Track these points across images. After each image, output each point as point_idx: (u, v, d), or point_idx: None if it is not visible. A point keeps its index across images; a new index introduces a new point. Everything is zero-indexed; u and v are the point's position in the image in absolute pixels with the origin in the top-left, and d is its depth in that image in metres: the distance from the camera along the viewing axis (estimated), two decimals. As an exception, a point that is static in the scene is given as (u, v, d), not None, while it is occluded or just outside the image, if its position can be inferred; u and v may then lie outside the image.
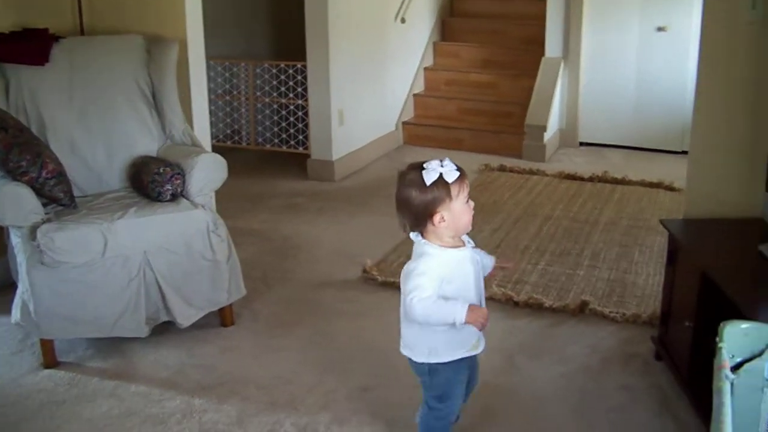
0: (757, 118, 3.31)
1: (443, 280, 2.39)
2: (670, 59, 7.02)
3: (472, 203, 2.45)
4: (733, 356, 1.65)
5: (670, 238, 3.31)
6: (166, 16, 4.25)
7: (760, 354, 1.64)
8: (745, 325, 1.65)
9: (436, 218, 2.37)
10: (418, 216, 2.39)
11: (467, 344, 2.53)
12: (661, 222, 3.40)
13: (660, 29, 7.05)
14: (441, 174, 2.34)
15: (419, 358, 2.53)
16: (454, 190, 2.36)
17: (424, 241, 2.44)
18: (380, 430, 2.95)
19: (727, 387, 1.50)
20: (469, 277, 2.48)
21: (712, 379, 1.57)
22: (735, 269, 2.95)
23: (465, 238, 2.50)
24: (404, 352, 2.58)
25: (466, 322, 2.35)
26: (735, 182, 3.43)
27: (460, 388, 2.62)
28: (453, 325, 2.38)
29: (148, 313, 3.47)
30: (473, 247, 2.53)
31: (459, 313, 2.34)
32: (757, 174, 3.24)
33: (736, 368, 1.65)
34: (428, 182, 2.34)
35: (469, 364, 2.61)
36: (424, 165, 2.36)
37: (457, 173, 2.37)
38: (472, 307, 2.37)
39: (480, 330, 2.42)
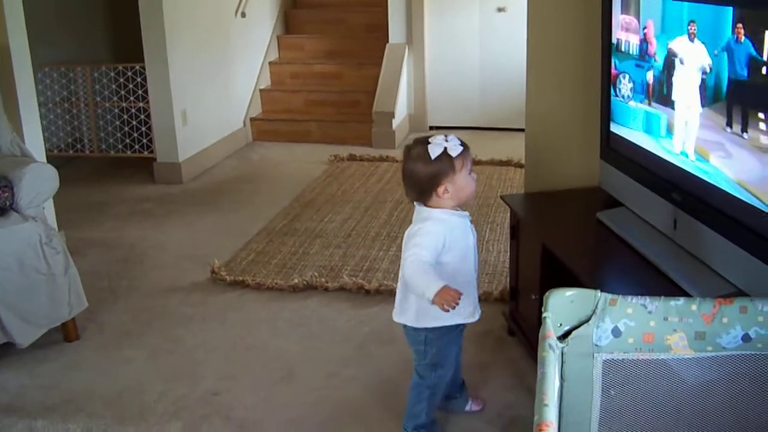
0: (587, 90, 3.35)
1: (444, 246, 2.47)
2: (511, 39, 7.12)
3: (474, 175, 2.54)
4: (561, 324, 1.63)
5: (512, 213, 3.33)
6: (-20, 22, 4.00)
7: (587, 320, 1.63)
8: (570, 292, 1.63)
9: (441, 190, 2.47)
10: (424, 188, 2.49)
11: (464, 312, 2.57)
12: (502, 198, 3.42)
13: (500, 10, 7.16)
14: (445, 148, 2.43)
15: (420, 324, 2.59)
16: (458, 163, 2.45)
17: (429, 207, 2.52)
18: (232, 434, 2.86)
19: (551, 357, 1.47)
20: (469, 246, 2.58)
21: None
22: (574, 238, 2.99)
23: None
24: (401, 320, 2.65)
25: (433, 302, 2.35)
26: (571, 154, 3.48)
27: (452, 358, 2.73)
28: (422, 296, 2.39)
29: (-18, 336, 3.28)
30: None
31: (431, 289, 2.33)
32: (592, 144, 3.29)
33: (565, 336, 1.63)
34: (433, 156, 2.43)
35: (461, 333, 2.73)
36: (429, 140, 2.46)
37: (461, 148, 2.46)
38: (444, 289, 2.33)
39: (443, 310, 2.36)
